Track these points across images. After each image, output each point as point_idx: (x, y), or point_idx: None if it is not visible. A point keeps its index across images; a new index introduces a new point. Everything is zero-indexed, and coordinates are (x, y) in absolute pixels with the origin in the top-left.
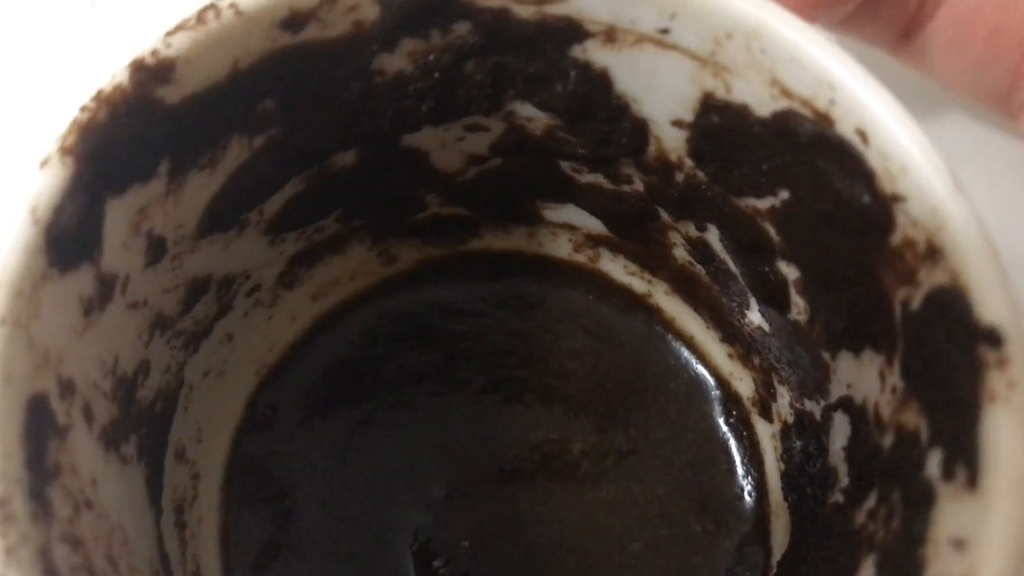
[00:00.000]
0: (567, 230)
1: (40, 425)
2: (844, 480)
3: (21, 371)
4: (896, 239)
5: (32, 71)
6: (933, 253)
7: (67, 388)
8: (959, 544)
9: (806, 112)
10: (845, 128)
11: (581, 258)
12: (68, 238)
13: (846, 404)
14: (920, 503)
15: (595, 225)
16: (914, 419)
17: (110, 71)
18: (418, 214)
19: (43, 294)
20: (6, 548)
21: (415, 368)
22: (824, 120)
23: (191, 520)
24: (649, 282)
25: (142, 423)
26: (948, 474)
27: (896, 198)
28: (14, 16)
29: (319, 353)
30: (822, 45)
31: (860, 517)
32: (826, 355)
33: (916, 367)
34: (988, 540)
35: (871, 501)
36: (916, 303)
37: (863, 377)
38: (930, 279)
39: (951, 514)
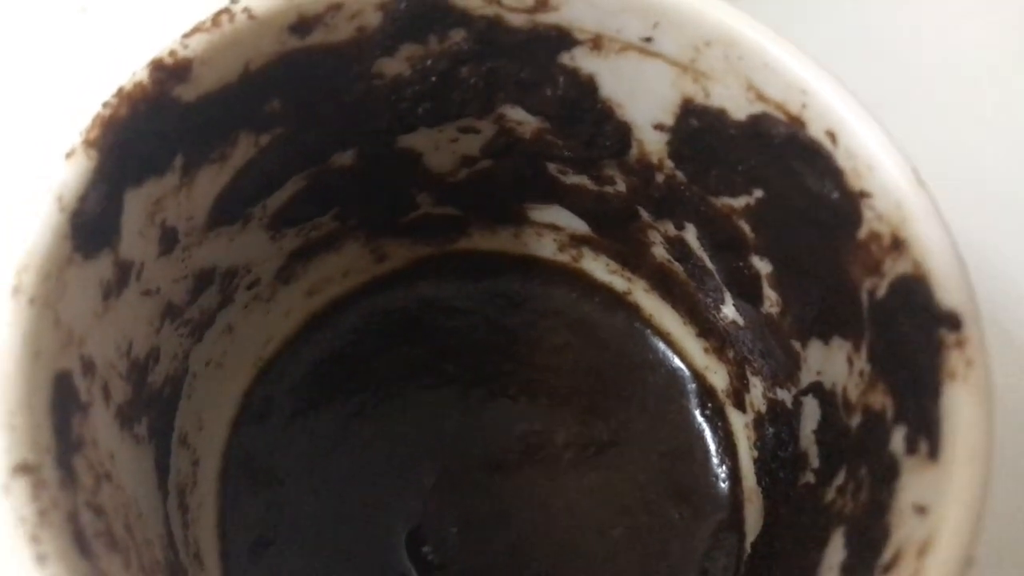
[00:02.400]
0: (552, 230)
1: (65, 400)
2: (815, 461)
3: (49, 348)
4: (863, 232)
5: (24, 76)
6: (898, 245)
7: (88, 367)
8: (921, 510)
9: (780, 115)
10: (816, 130)
11: (564, 257)
12: (91, 225)
13: (816, 389)
14: (886, 476)
15: (579, 225)
16: (880, 399)
17: (124, 72)
18: (410, 213)
19: (68, 277)
20: (39, 511)
21: (405, 363)
22: (796, 122)
23: (192, 504)
24: (629, 280)
25: (152, 406)
26: (911, 448)
27: (863, 194)
28: (5, 22)
29: (313, 347)
30: (794, 53)
31: (830, 494)
32: (797, 344)
33: (882, 351)
34: (948, 505)
35: (840, 478)
36: (881, 291)
37: (832, 363)
38: (894, 269)
39: (914, 484)
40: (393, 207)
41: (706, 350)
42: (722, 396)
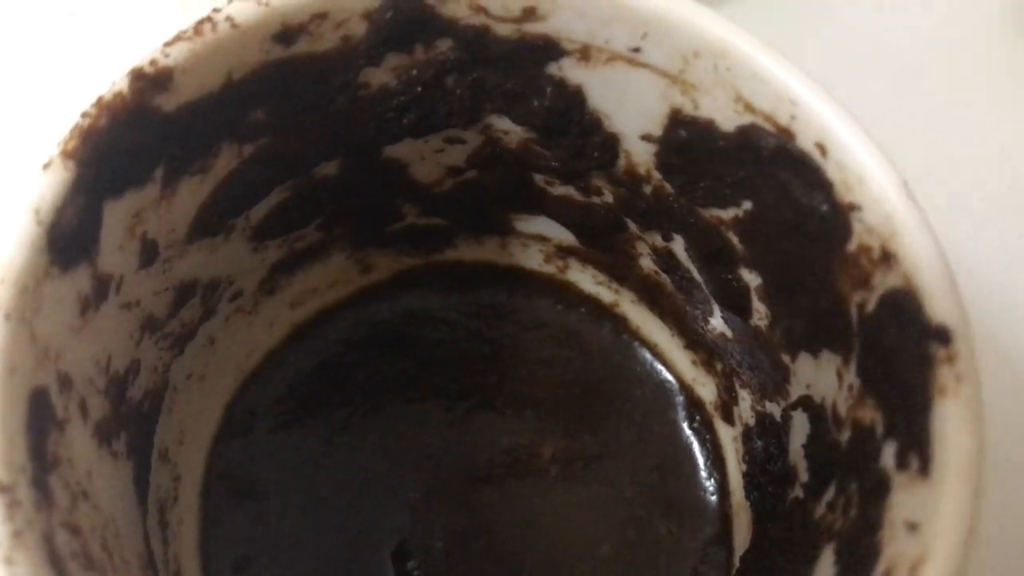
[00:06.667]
0: (538, 241)
1: (41, 417)
2: (804, 476)
3: (24, 365)
4: (853, 245)
5: (10, 80)
6: (887, 258)
7: (65, 383)
8: (913, 527)
9: (768, 127)
10: (805, 141)
11: (551, 269)
12: (68, 238)
13: (805, 403)
14: (876, 492)
15: (565, 236)
16: (870, 414)
17: (110, 79)
18: (395, 224)
19: (44, 291)
20: (13, 532)
21: (390, 375)
22: (785, 134)
23: (172, 520)
24: (616, 292)
25: (131, 421)
26: (902, 463)
27: (852, 207)
28: (4, 33)
29: (297, 360)
30: (784, 64)
31: (819, 509)
32: (786, 358)
33: (871, 365)
34: (940, 521)
35: (830, 494)
36: (871, 305)
37: (821, 377)
38: (884, 283)
39: (905, 500)
40: (378, 218)
41: (694, 362)
42: (710, 409)
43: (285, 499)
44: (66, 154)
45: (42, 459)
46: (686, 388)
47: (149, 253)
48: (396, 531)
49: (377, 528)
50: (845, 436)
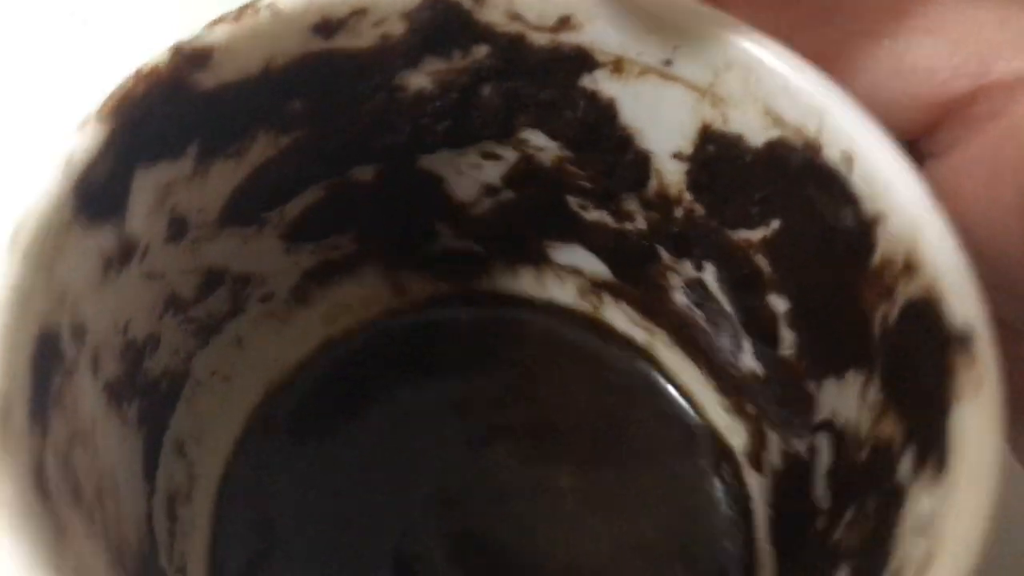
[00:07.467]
0: (573, 275)
1: (49, 358)
2: (825, 504)
3: (37, 301)
4: (876, 259)
5: (26, 89)
6: (909, 268)
7: (78, 332)
8: (924, 529)
9: (796, 140)
10: (832, 152)
11: (585, 305)
12: (96, 193)
13: (829, 428)
14: (892, 502)
15: (599, 269)
16: (890, 427)
17: (106, 79)
18: (429, 243)
19: (66, 240)
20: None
21: (412, 392)
22: (813, 146)
23: (183, 518)
24: (650, 332)
25: (146, 395)
26: (918, 469)
27: (878, 216)
28: (7, 34)
29: (322, 373)
30: (811, 75)
31: (839, 532)
32: (811, 384)
33: (893, 376)
34: (950, 521)
35: (849, 516)
36: (893, 317)
37: (845, 399)
38: (906, 292)
39: (918, 503)
40: (412, 234)
41: (726, 408)
42: (739, 456)
43: (299, 511)
44: (101, 115)
45: (43, 392)
46: (715, 433)
47: (178, 228)
48: (406, 552)
49: (387, 548)
50: (865, 454)
